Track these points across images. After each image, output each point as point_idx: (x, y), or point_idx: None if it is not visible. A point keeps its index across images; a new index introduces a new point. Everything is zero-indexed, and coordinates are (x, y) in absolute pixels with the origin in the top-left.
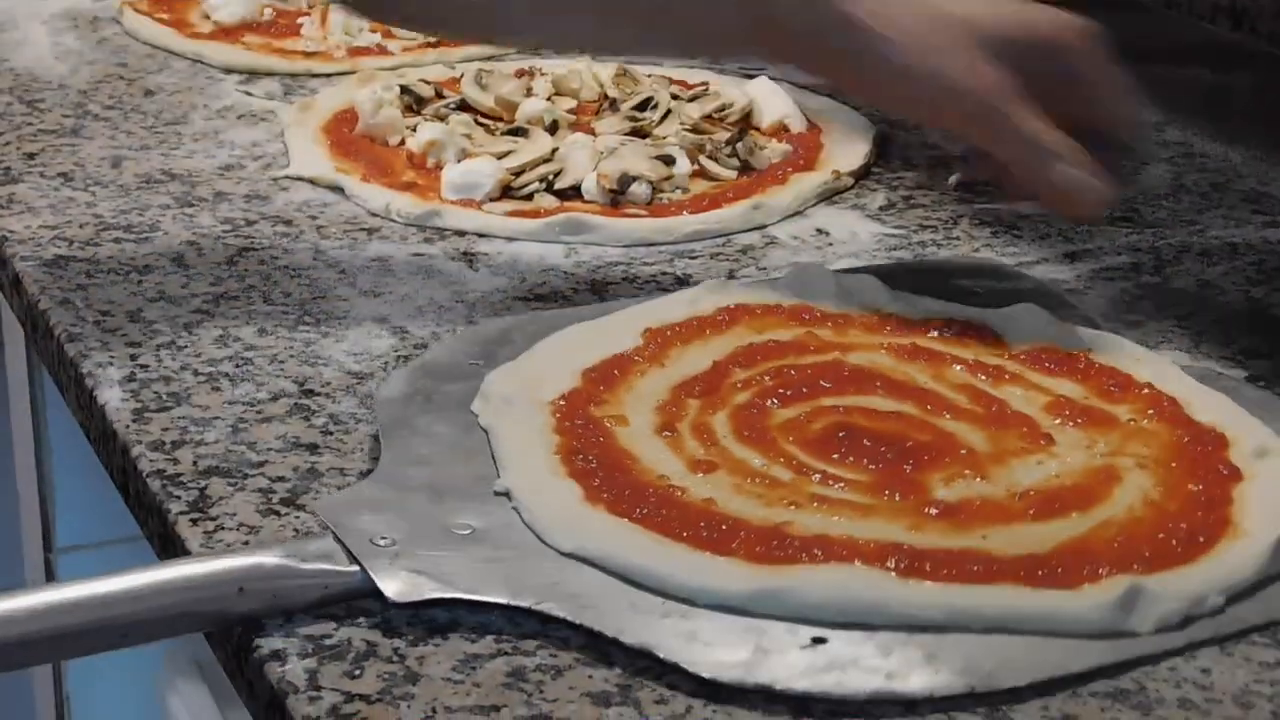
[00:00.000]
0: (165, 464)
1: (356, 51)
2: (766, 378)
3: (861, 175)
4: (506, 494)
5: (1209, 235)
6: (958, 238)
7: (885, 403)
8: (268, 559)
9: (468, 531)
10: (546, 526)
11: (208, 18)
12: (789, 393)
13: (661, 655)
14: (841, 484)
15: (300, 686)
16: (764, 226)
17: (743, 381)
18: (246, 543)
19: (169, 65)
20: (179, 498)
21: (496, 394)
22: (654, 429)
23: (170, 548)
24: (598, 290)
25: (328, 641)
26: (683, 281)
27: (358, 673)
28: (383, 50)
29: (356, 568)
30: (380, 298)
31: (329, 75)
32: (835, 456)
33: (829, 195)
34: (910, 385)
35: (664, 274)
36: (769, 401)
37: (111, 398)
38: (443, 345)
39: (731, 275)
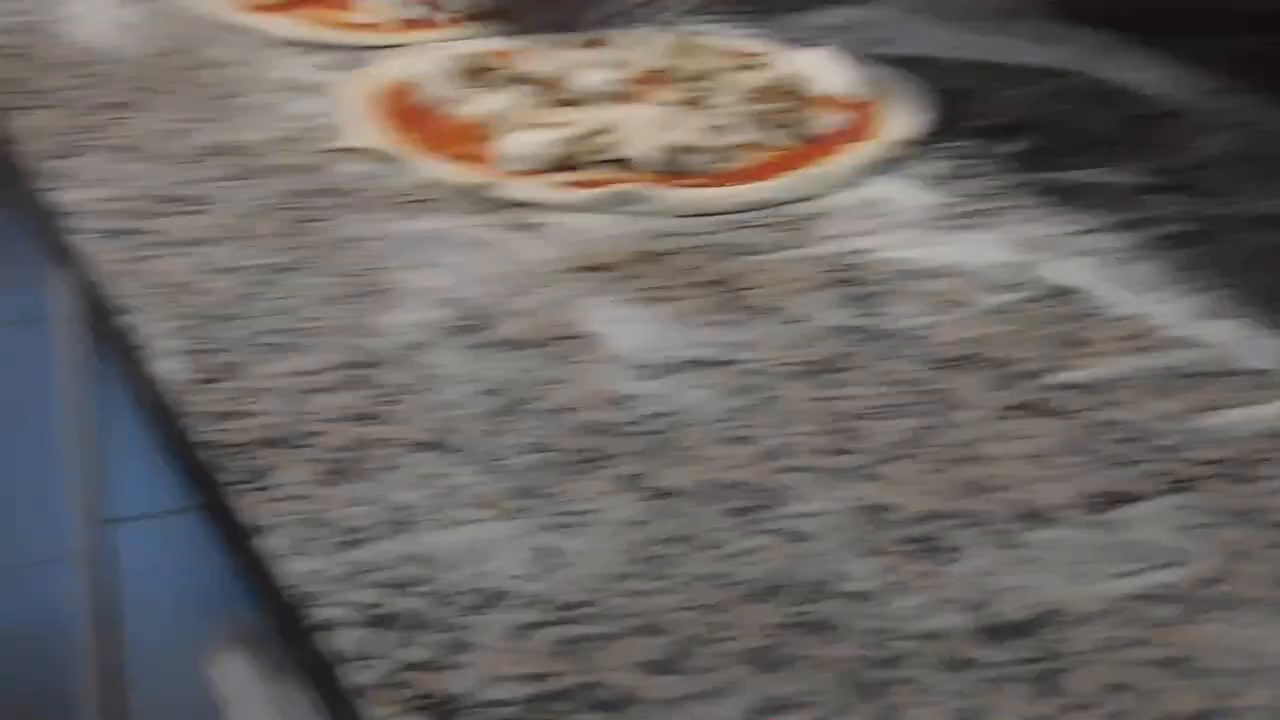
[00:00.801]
0: (220, 434)
1: (412, 24)
2: None
3: (918, 145)
4: None
5: (1261, 204)
6: (1013, 207)
7: None
8: None
9: None
10: None
11: None
12: None
13: None
14: None
15: (351, 655)
16: (819, 196)
17: None
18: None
19: (226, 38)
20: (233, 469)
21: None
22: None
23: (223, 519)
24: (651, 260)
25: (377, 611)
26: (740, 251)
27: (408, 641)
28: (438, 23)
29: None
30: (435, 269)
31: (385, 47)
32: None
33: (885, 165)
34: None
35: (718, 245)
36: None
37: (166, 369)
38: None
39: (786, 246)
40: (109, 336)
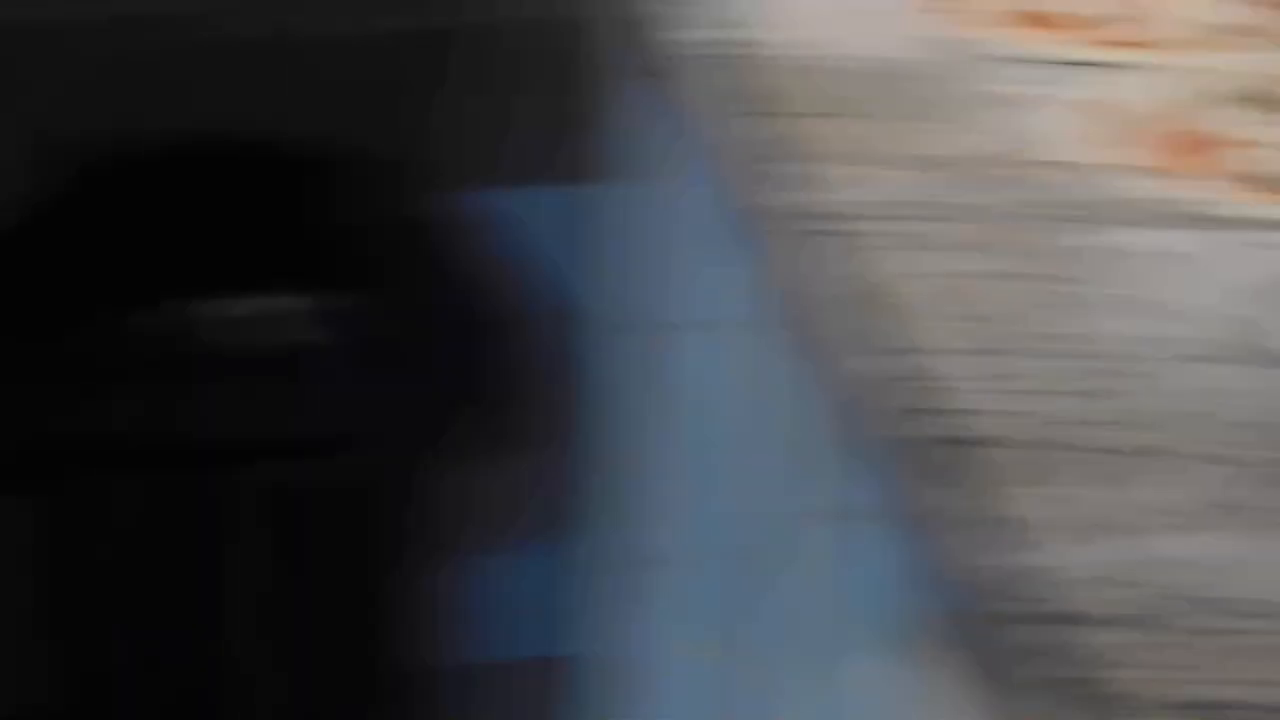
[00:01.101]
0: (938, 432)
1: (1177, 44)
2: None
3: None
4: None
5: None
6: None
7: None
8: None
9: None
10: None
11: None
12: None
13: None
14: None
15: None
16: None
17: None
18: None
19: (971, 53)
20: (946, 466)
21: None
22: None
23: (932, 516)
24: None
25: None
26: None
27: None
28: (1201, 43)
29: None
30: (1170, 283)
31: (1142, 66)
32: None
33: None
34: None
35: None
36: None
37: (880, 367)
38: None
39: None
40: (811, 336)
